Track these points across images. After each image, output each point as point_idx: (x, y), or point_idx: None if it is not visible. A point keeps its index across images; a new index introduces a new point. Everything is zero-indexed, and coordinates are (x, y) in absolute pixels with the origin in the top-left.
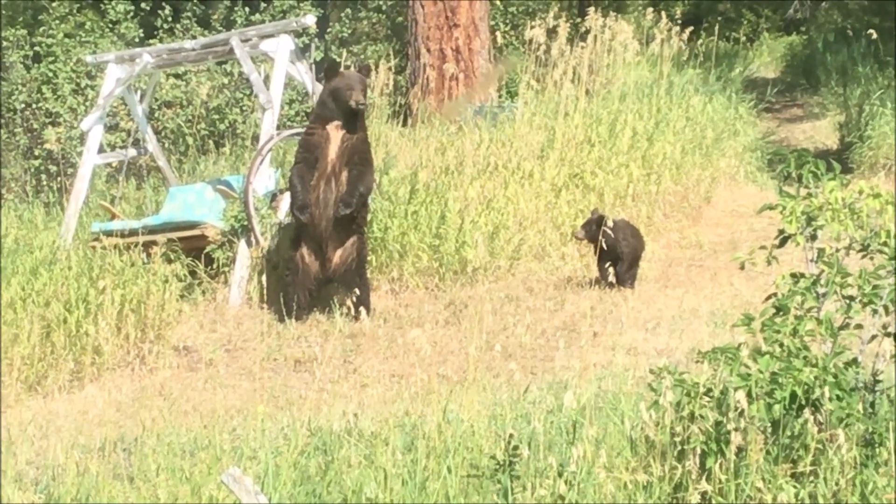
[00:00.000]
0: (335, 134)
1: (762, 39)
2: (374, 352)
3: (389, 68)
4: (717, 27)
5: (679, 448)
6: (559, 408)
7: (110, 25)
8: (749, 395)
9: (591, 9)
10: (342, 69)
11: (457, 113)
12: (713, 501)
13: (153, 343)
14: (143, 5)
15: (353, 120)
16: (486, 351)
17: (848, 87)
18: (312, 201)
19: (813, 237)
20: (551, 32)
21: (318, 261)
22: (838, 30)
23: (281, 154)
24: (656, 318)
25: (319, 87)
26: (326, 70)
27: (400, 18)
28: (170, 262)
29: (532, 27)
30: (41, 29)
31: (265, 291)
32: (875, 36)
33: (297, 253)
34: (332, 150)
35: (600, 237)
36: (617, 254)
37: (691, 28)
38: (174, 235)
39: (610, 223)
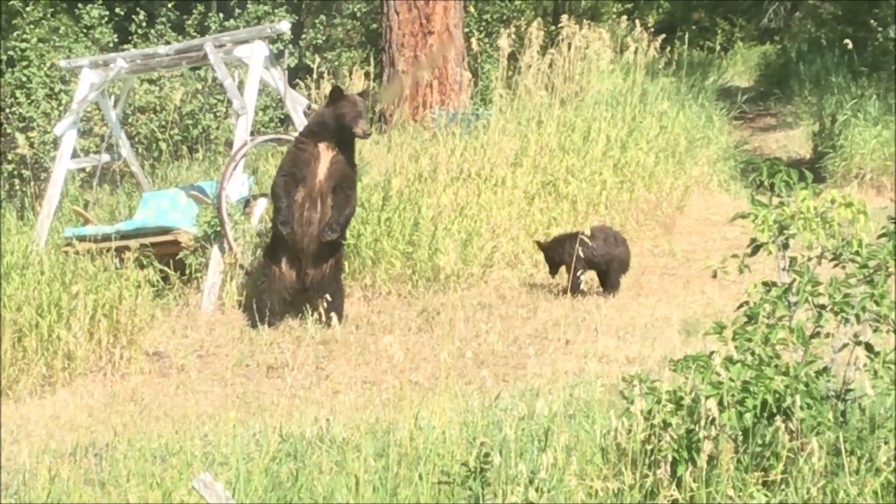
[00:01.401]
0: (325, 154)
1: (736, 48)
2: (346, 358)
3: (364, 75)
4: (687, 35)
5: (650, 456)
6: (531, 415)
7: (84, 30)
8: (720, 403)
9: (565, 16)
10: (347, 93)
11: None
12: None
13: (125, 348)
14: (117, 10)
15: (347, 144)
16: (458, 358)
17: (821, 97)
18: (296, 218)
19: (785, 246)
20: (525, 40)
21: (295, 272)
22: (812, 39)
23: (254, 160)
24: (628, 326)
25: (293, 93)
26: (332, 93)
27: (374, 25)
28: (142, 267)
29: (505, 35)
30: (15, 33)
31: (238, 297)
32: (850, 46)
33: (273, 262)
34: (321, 170)
35: (577, 248)
36: (594, 263)
37: (664, 36)
38: (147, 241)
39: (587, 231)
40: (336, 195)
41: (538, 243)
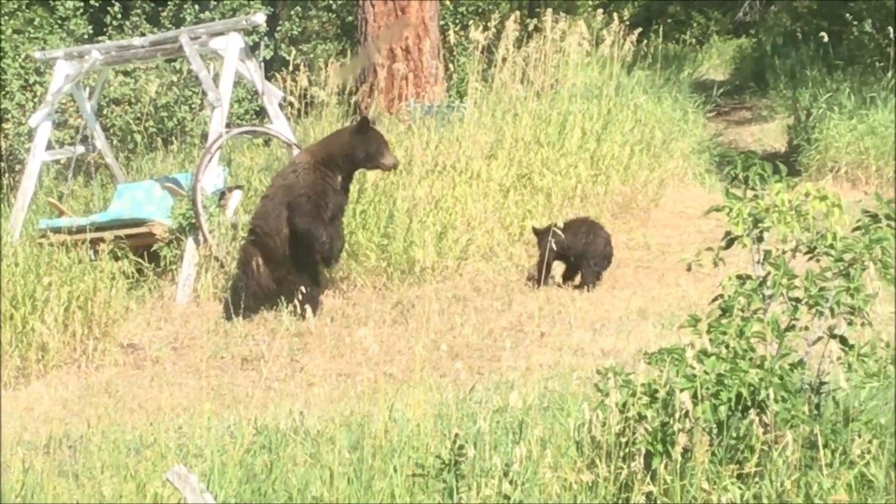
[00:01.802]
0: (337, 184)
1: (711, 42)
2: (320, 350)
3: (340, 66)
4: (663, 28)
5: (625, 449)
6: (505, 407)
7: (59, 22)
8: (695, 396)
9: (541, 9)
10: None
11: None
12: (658, 502)
13: (99, 340)
14: (92, 2)
15: (354, 174)
16: (432, 350)
17: (796, 90)
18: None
19: (759, 239)
20: (500, 33)
21: (274, 274)
22: (787, 33)
23: (229, 152)
24: (603, 319)
25: (268, 85)
26: (361, 126)
27: (350, 18)
28: (117, 259)
29: (478, 28)
30: None
31: (213, 289)
32: (825, 39)
33: (253, 260)
34: (331, 200)
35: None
36: (566, 255)
37: (640, 30)
38: (122, 233)
39: (560, 224)
40: (334, 224)
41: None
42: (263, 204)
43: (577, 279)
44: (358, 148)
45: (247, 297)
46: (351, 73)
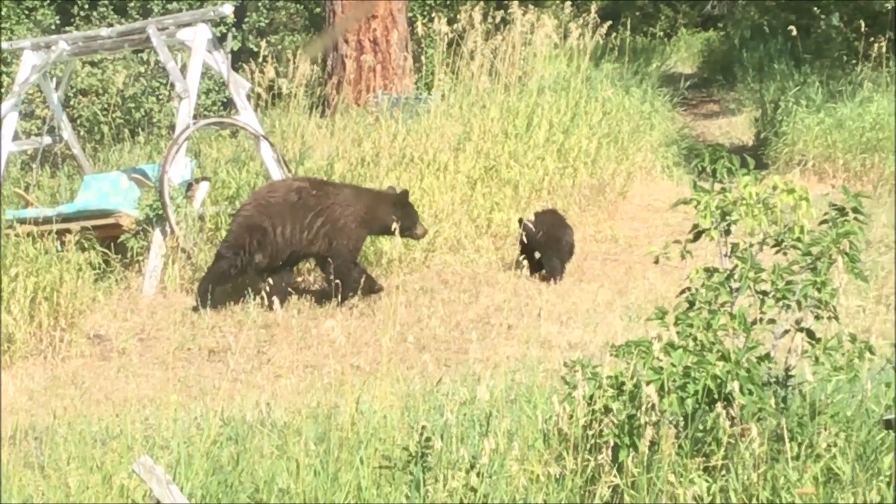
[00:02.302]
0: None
1: (679, 35)
2: (287, 342)
3: (308, 59)
4: (631, 21)
5: (592, 441)
6: (472, 400)
7: (26, 12)
8: (662, 388)
9: (508, 1)
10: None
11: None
12: (625, 495)
13: (66, 331)
14: None
15: None
16: (399, 342)
17: (764, 84)
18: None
19: (727, 232)
20: (468, 25)
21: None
22: (755, 26)
23: (197, 143)
24: (571, 312)
25: (236, 77)
26: (401, 198)
27: (318, 9)
28: (84, 250)
29: (442, 20)
30: None
31: (179, 281)
32: (793, 33)
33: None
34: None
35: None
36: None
37: (609, 22)
38: (88, 224)
39: (531, 216)
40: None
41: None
42: (292, 208)
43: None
44: (398, 217)
45: (216, 285)
46: (318, 49)
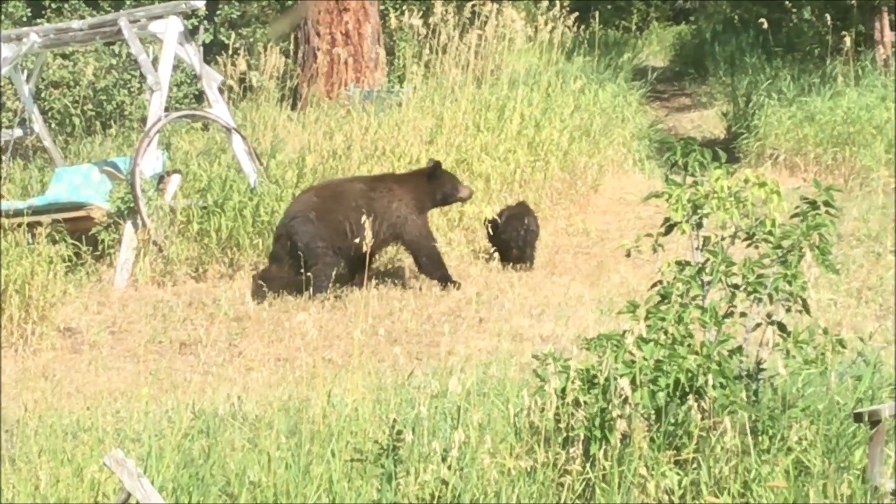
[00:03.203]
0: None
1: (651, 28)
2: (259, 335)
3: (279, 52)
4: (602, 15)
5: (563, 434)
6: (444, 393)
7: None
8: (633, 382)
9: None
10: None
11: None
12: (596, 488)
13: (37, 324)
14: None
15: None
16: (371, 336)
17: (736, 77)
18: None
19: (699, 225)
20: (440, 18)
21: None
22: (727, 20)
23: (168, 136)
24: (542, 305)
25: (207, 69)
26: (434, 169)
27: (290, 2)
28: (55, 242)
29: (413, 13)
30: None
31: (151, 273)
32: (765, 26)
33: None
34: None
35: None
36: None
37: (576, 14)
38: (60, 216)
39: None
40: None
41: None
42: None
43: (524, 263)
44: (436, 190)
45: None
46: (284, 28)
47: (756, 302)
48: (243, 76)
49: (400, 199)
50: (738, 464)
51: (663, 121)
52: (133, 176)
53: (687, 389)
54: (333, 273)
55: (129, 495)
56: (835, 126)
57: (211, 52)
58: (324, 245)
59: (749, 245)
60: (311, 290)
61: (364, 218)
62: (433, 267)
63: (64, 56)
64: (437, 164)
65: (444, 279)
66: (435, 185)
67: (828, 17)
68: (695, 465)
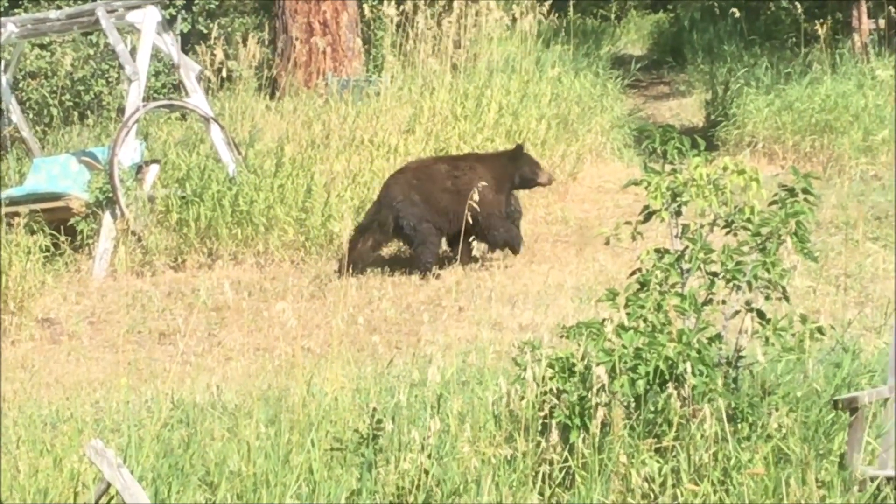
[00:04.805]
0: None
1: (630, 17)
2: (238, 325)
3: (257, 41)
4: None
5: (543, 422)
6: (423, 382)
7: None
8: (613, 370)
9: None
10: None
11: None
12: (576, 475)
13: (15, 315)
14: None
15: None
16: (350, 325)
17: (714, 65)
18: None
19: (678, 213)
20: (416, 7)
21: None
22: (705, 8)
23: (146, 126)
24: (521, 294)
25: (186, 59)
26: (516, 152)
27: None
28: (33, 233)
29: (391, 2)
30: None
31: (129, 264)
32: (740, 14)
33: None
34: None
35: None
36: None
37: (552, 2)
38: (38, 207)
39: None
40: None
41: None
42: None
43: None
44: (517, 170)
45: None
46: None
47: (735, 289)
48: (221, 66)
49: (481, 177)
50: (718, 451)
51: (642, 109)
52: (111, 166)
53: (666, 377)
54: (438, 252)
55: (109, 485)
56: (812, 114)
57: (189, 41)
58: (428, 225)
59: (728, 233)
60: (419, 267)
61: (457, 198)
62: (504, 244)
63: (41, 46)
64: (519, 147)
65: (514, 250)
66: (514, 167)
67: (797, 5)
68: (674, 453)
